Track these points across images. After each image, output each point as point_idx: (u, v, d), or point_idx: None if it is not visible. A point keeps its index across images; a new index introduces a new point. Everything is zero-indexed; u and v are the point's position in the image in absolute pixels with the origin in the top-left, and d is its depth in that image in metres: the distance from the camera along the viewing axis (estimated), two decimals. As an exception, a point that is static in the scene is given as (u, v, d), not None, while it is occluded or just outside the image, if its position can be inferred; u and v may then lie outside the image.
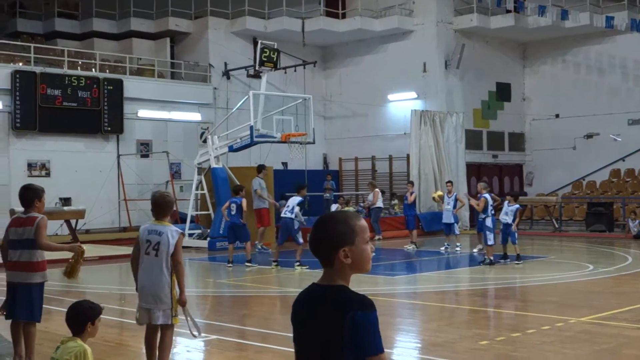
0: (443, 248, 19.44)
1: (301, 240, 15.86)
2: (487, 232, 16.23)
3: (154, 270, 6.87)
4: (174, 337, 9.35)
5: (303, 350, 3.14)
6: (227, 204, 16.93)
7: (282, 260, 16.37)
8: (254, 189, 20.43)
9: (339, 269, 3.09)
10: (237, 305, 12.28)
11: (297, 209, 16.06)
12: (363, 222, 3.16)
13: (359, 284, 13.84)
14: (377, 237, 23.47)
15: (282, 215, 16.49)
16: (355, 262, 3.10)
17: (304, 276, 14.67)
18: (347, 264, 3.08)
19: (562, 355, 7.82)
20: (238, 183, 21.16)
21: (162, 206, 7.09)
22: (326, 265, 3.11)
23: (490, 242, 16.08)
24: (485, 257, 16.14)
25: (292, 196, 16.95)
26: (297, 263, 15.92)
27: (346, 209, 24.37)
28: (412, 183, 22.01)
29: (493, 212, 16.63)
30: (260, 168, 20.91)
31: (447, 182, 21.04)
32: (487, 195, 16.61)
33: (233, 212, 16.54)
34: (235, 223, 16.56)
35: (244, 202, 16.60)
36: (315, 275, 14.46)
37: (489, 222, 16.26)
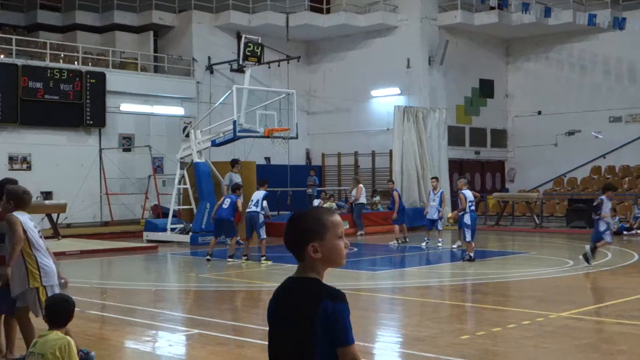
0: (424, 244, 19.50)
1: (264, 235, 16.10)
2: (465, 229, 16.32)
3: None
4: (154, 332, 9.35)
5: (277, 343, 3.16)
6: (221, 200, 16.98)
7: (261, 255, 16.37)
8: (223, 184, 20.43)
9: (310, 264, 3.13)
10: (219, 300, 12.27)
11: (264, 202, 16.37)
12: (336, 218, 3.18)
13: (339, 279, 13.89)
14: (359, 233, 23.52)
15: (248, 209, 16.59)
16: (326, 257, 3.13)
17: (275, 270, 14.66)
18: (317, 258, 3.11)
19: (542, 349, 7.87)
20: (221, 177, 21.18)
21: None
22: (299, 259, 3.15)
23: (468, 239, 16.18)
24: (466, 253, 16.20)
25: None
26: (263, 257, 16.03)
27: (327, 204, 24.40)
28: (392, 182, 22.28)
29: (473, 208, 16.69)
30: (234, 162, 20.87)
31: (432, 179, 21.07)
32: (465, 192, 16.67)
33: (225, 207, 16.53)
34: (224, 217, 16.56)
35: (240, 201, 16.69)
36: (281, 269, 14.54)
37: (467, 218, 16.34)
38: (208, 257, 16.68)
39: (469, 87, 30.65)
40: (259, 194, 16.55)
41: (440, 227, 19.77)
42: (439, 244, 19.33)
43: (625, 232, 22.90)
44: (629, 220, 23.73)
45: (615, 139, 28.63)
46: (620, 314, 9.82)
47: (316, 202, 24.63)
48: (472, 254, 16.01)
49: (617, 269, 15.02)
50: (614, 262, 16.20)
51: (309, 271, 3.15)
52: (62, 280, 7.37)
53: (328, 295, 3.05)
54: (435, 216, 19.58)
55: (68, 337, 5.51)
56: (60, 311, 5.63)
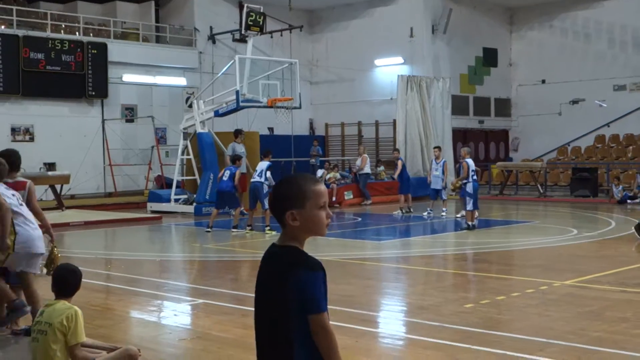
0: (425, 213, 19.51)
1: (267, 205, 15.95)
2: (467, 197, 16.34)
3: None
4: (159, 302, 9.39)
5: (258, 310, 3.19)
6: (222, 172, 16.98)
7: (264, 225, 16.39)
8: (227, 154, 20.39)
9: (290, 231, 3.14)
10: (223, 270, 12.32)
11: (268, 173, 16.33)
12: (319, 187, 3.15)
13: (345, 248, 13.91)
14: (366, 202, 23.56)
15: (252, 180, 16.64)
16: (305, 226, 3.12)
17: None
18: (295, 226, 3.10)
19: (546, 317, 7.90)
20: (224, 148, 21.14)
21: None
22: (281, 225, 3.16)
23: (470, 207, 16.20)
24: (466, 222, 16.22)
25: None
26: (267, 227, 16.10)
27: (331, 174, 24.40)
28: (397, 150, 22.30)
29: (475, 177, 16.66)
30: (237, 133, 20.76)
31: (434, 148, 21.02)
32: (469, 161, 16.62)
33: (225, 179, 16.53)
34: (224, 190, 16.55)
35: (238, 172, 16.66)
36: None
37: (469, 187, 16.33)
38: (208, 229, 16.66)
39: (473, 56, 30.46)
40: (262, 165, 16.56)
41: (444, 197, 19.78)
42: (443, 214, 19.33)
43: (629, 201, 22.89)
44: (632, 188, 23.70)
45: (619, 107, 28.50)
46: (623, 282, 9.84)
47: (319, 173, 24.60)
48: (471, 223, 16.03)
49: (621, 237, 15.03)
50: (618, 230, 16.21)
51: (289, 239, 3.15)
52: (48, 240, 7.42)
53: (301, 264, 3.05)
54: (438, 186, 19.57)
55: (75, 307, 5.54)
56: (67, 281, 5.65)
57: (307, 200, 3.11)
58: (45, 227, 7.54)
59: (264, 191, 16.16)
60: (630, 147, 28.00)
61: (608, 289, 9.43)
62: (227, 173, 16.56)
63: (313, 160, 27.51)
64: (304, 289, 3.01)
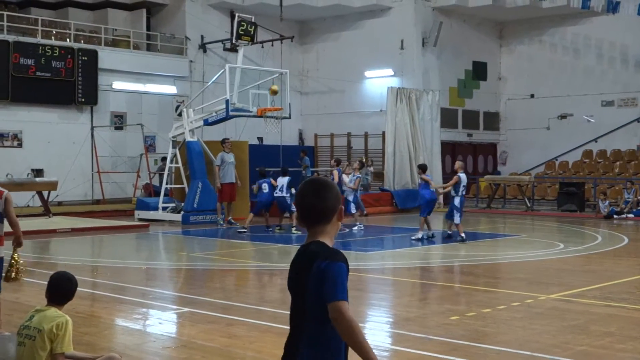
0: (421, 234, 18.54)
1: (294, 209, 16.77)
2: (455, 211, 16.42)
3: None
4: (145, 310, 9.36)
5: (291, 304, 3.35)
6: (257, 187, 18.84)
7: (253, 235, 16.44)
8: (215, 164, 20.50)
9: (327, 228, 3.33)
10: (209, 279, 12.29)
11: (292, 190, 18.19)
12: None
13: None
14: (364, 214, 23.44)
15: (276, 194, 18.45)
16: (341, 222, 3.40)
17: (270, 249, 14.67)
18: (339, 221, 3.35)
19: (531, 330, 7.92)
20: (213, 157, 21.11)
21: None
22: (319, 224, 3.31)
23: (457, 221, 16.34)
24: (459, 234, 16.26)
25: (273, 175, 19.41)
26: (294, 227, 18.03)
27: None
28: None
29: (464, 192, 16.74)
30: (223, 141, 20.93)
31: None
32: (462, 175, 16.64)
33: (266, 191, 18.60)
34: (274, 199, 18.54)
35: (272, 180, 18.73)
36: (274, 248, 14.52)
37: (457, 201, 16.44)
38: (244, 229, 18.15)
39: (462, 69, 30.61)
40: (283, 180, 18.38)
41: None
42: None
43: (615, 216, 23.00)
44: (619, 204, 23.82)
45: (607, 122, 28.69)
46: (608, 297, 9.88)
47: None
48: (463, 235, 16.16)
49: (607, 252, 15.10)
50: (604, 245, 16.29)
51: (321, 235, 3.31)
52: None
53: (324, 254, 3.18)
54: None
55: (67, 316, 5.50)
56: (61, 289, 5.60)
57: (341, 198, 3.42)
58: (15, 235, 7.54)
59: (289, 202, 18.10)
60: (617, 163, 28.16)
61: (593, 303, 9.47)
62: (266, 185, 18.59)
63: (304, 171, 27.47)
64: (323, 278, 3.12)
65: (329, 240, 3.29)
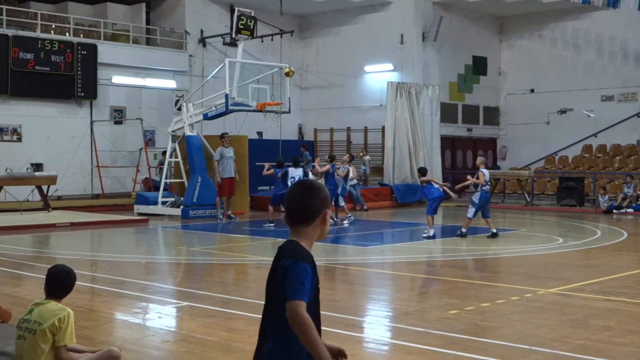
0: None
1: None
2: (471, 206, 16.11)
3: None
4: (144, 304, 9.36)
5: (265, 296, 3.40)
6: (282, 176, 18.55)
7: (252, 229, 16.44)
8: (214, 159, 20.47)
9: (310, 230, 3.36)
10: (209, 273, 12.29)
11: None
12: None
13: (333, 254, 13.92)
14: (364, 208, 23.44)
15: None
16: (327, 225, 3.43)
17: (267, 243, 14.65)
18: (325, 224, 3.38)
19: (530, 324, 7.92)
20: (212, 151, 21.08)
21: None
22: (302, 225, 3.35)
23: (469, 215, 16.01)
24: (461, 229, 16.11)
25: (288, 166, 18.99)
26: None
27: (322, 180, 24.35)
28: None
29: (486, 188, 16.21)
30: (221, 136, 20.90)
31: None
32: (484, 171, 16.37)
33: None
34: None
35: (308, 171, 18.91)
36: (275, 243, 14.56)
37: (476, 197, 16.13)
38: (271, 223, 17.87)
39: (462, 64, 30.58)
40: (297, 172, 18.45)
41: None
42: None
43: (615, 211, 23.00)
44: (618, 198, 23.82)
45: (607, 117, 28.68)
46: (607, 291, 9.89)
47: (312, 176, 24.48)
48: (465, 230, 16.01)
49: (606, 246, 15.11)
50: (603, 239, 16.30)
51: (299, 235, 3.35)
52: None
53: (290, 253, 3.25)
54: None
55: (69, 309, 5.49)
56: (60, 283, 5.59)
57: (329, 201, 3.44)
58: None
59: None
60: (617, 158, 28.16)
61: (592, 297, 9.47)
62: (297, 175, 18.37)
63: (305, 166, 27.36)
64: (286, 277, 3.19)
65: (306, 242, 3.32)
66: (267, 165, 19.57)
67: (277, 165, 19.04)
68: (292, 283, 3.16)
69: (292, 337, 3.19)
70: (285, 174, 18.64)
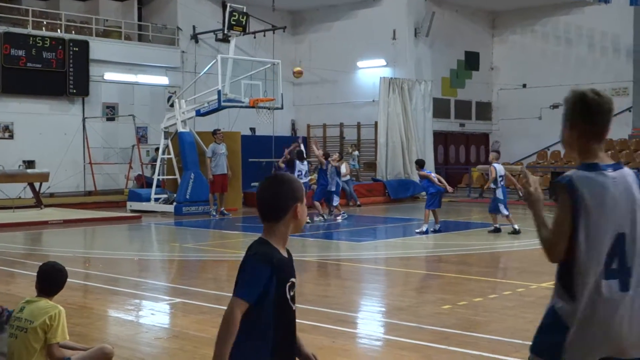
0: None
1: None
2: (499, 204, 15.80)
3: None
4: (137, 301, 9.36)
5: None
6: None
7: (245, 225, 16.42)
8: (207, 156, 20.42)
9: (280, 226, 3.25)
10: (202, 269, 12.30)
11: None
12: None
13: (327, 250, 13.92)
14: (357, 204, 23.44)
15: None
16: (301, 219, 3.32)
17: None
18: (298, 219, 3.27)
19: (522, 319, 7.95)
20: (205, 147, 21.05)
21: None
22: (273, 220, 3.26)
23: (505, 213, 15.71)
24: (512, 225, 15.75)
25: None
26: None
27: (312, 175, 24.36)
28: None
29: (502, 182, 15.99)
30: (214, 132, 20.86)
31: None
32: (496, 165, 16.10)
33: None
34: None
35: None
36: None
37: (499, 193, 15.88)
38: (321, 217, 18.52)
39: (455, 59, 30.61)
40: (303, 166, 18.83)
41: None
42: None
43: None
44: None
45: (599, 112, 28.71)
46: (600, 285, 9.92)
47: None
48: (516, 226, 15.63)
49: (598, 241, 15.13)
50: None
51: (269, 232, 3.26)
52: None
53: (251, 249, 3.21)
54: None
55: (60, 307, 5.49)
56: (52, 280, 5.59)
57: (303, 195, 3.31)
58: None
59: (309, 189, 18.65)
60: (609, 152, 28.22)
61: (584, 291, 9.50)
62: (305, 168, 18.86)
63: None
64: (239, 271, 3.17)
65: (277, 240, 3.24)
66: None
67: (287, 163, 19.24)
68: (239, 278, 3.15)
69: (256, 330, 3.15)
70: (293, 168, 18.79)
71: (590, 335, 3.15)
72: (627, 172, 3.29)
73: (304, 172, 18.54)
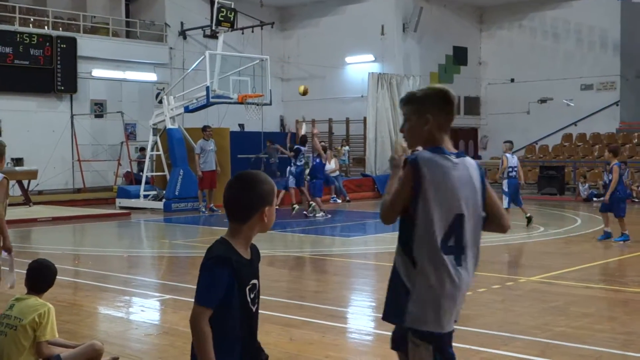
0: None
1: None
2: (504, 196, 15.62)
3: None
4: (127, 298, 9.36)
5: None
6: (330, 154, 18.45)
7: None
8: (195, 152, 20.33)
9: (246, 227, 3.19)
10: (191, 266, 12.28)
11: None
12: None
13: (316, 245, 13.92)
14: (346, 199, 23.47)
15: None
16: (269, 222, 3.24)
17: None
18: (265, 222, 3.19)
19: (511, 312, 8.01)
20: (194, 144, 21.03)
21: None
22: (239, 221, 3.19)
23: (504, 205, 15.29)
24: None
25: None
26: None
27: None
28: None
29: (513, 174, 15.82)
30: (203, 129, 20.71)
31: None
32: (508, 155, 15.98)
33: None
34: None
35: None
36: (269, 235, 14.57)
37: (505, 185, 15.79)
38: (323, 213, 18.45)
39: (443, 54, 30.67)
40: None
41: None
42: None
43: (595, 199, 23.20)
44: (598, 187, 24.02)
45: (587, 106, 28.88)
46: (587, 278, 10.00)
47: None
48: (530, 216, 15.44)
49: (587, 234, 15.25)
50: (584, 227, 16.45)
51: (233, 233, 3.19)
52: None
53: (210, 253, 3.14)
54: None
55: (49, 304, 5.49)
56: (41, 277, 5.59)
57: (274, 197, 3.20)
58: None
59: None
60: (597, 146, 28.37)
61: (572, 285, 9.57)
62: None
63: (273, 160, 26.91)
64: (199, 279, 3.11)
65: (240, 242, 3.18)
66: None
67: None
68: (199, 285, 3.08)
69: (221, 339, 3.11)
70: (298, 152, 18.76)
71: (428, 302, 3.44)
72: (470, 161, 3.59)
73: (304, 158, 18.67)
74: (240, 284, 3.12)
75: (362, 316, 8.29)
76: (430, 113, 3.60)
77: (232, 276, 3.09)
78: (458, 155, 3.56)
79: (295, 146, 18.84)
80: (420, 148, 3.58)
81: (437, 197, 3.39)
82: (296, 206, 19.06)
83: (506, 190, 15.79)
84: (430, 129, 3.59)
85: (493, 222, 3.69)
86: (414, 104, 3.66)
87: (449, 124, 3.66)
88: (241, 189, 3.16)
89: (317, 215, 18.32)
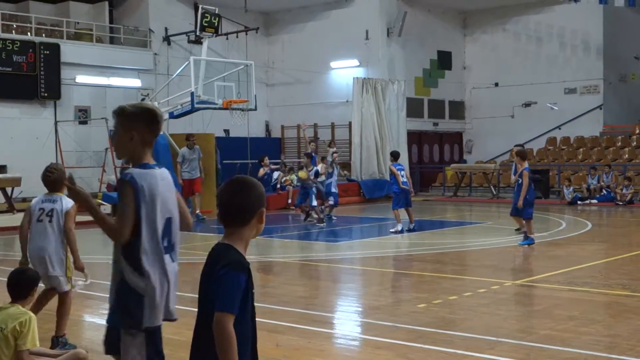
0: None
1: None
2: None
3: (48, 236, 6.82)
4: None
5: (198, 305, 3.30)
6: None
7: (221, 227, 16.31)
8: (177, 160, 20.20)
9: (245, 231, 3.25)
10: (186, 273, 12.22)
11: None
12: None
13: (303, 250, 13.91)
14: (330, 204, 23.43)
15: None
16: (263, 225, 3.32)
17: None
18: (260, 225, 3.27)
19: (497, 316, 8.03)
20: (179, 149, 20.96)
21: (49, 182, 7.38)
22: (236, 226, 3.24)
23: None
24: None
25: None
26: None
27: (288, 176, 24.37)
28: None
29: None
30: (187, 137, 20.50)
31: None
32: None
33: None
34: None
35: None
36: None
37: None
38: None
39: (427, 59, 30.77)
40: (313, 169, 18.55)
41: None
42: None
43: (579, 202, 23.33)
44: (583, 190, 24.16)
45: (570, 110, 29.06)
46: (572, 281, 10.04)
47: (275, 175, 24.47)
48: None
49: (571, 237, 15.33)
50: (568, 231, 16.53)
51: (233, 237, 3.23)
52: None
53: (225, 260, 3.14)
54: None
55: (30, 313, 5.47)
56: (21, 285, 5.57)
57: (266, 199, 3.28)
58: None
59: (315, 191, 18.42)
60: (581, 149, 28.55)
61: (557, 288, 9.61)
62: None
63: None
64: (218, 286, 3.11)
65: (240, 244, 3.22)
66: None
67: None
68: (222, 293, 3.08)
69: (213, 348, 3.11)
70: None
71: (160, 301, 3.99)
72: (165, 170, 4.12)
73: (312, 173, 18.44)
74: (249, 289, 3.20)
75: (348, 321, 8.29)
76: (136, 130, 3.96)
77: (247, 281, 3.16)
78: (158, 167, 4.05)
79: (315, 168, 18.55)
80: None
81: (153, 206, 3.89)
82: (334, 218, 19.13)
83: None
84: (134, 144, 3.97)
85: (182, 221, 4.18)
86: (122, 118, 4.01)
87: (153, 140, 4.04)
88: (239, 193, 3.21)
89: (317, 224, 18.06)
